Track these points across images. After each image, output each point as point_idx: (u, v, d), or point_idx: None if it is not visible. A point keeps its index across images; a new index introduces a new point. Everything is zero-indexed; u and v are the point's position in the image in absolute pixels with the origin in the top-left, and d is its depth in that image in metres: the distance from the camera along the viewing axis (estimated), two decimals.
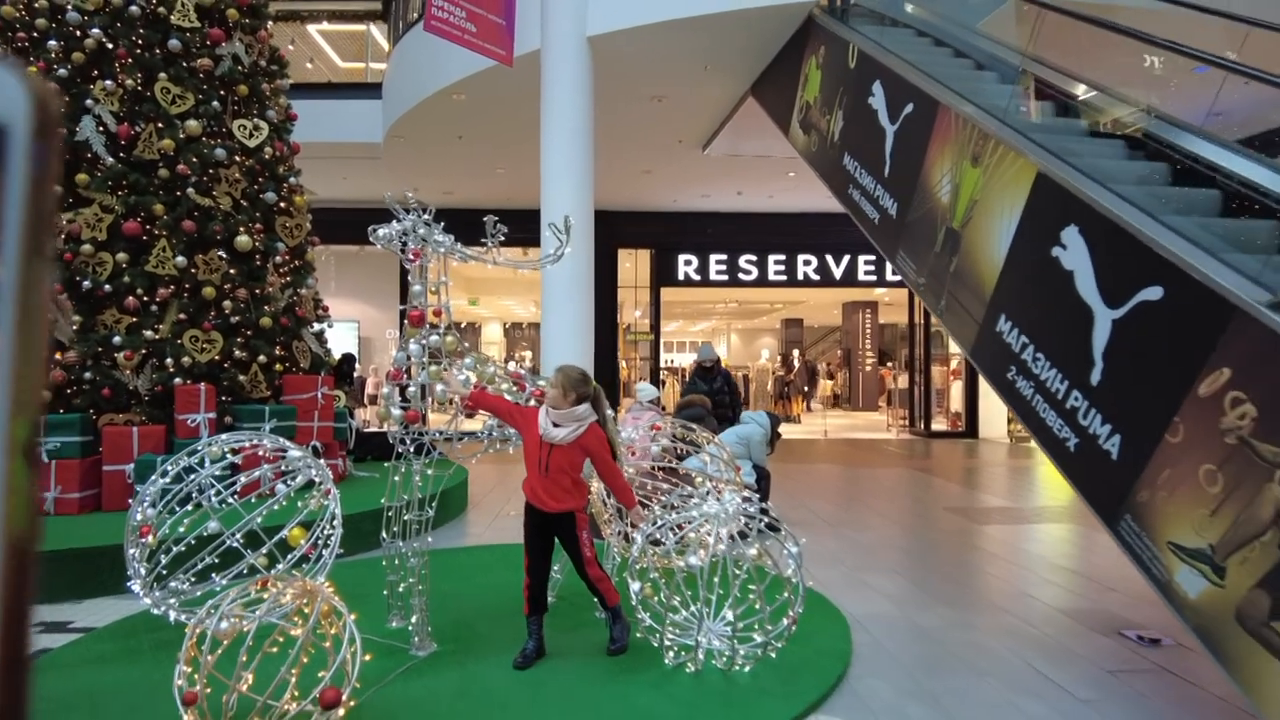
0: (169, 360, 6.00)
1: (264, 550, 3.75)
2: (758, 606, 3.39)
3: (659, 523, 3.55)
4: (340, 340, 12.14)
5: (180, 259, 6.15)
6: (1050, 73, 4.87)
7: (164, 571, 3.75)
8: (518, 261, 3.96)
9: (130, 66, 6.27)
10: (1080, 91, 4.84)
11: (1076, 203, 3.46)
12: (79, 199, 6.14)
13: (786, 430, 13.07)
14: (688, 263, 15.24)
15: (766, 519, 3.54)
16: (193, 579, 3.81)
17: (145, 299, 6.10)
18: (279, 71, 7.39)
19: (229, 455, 3.88)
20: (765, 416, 6.55)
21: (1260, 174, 3.65)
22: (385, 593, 3.97)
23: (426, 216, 3.64)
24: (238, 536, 3.68)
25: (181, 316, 6.18)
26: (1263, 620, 2.46)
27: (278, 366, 6.73)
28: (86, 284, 5.96)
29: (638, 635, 3.63)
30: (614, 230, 14.45)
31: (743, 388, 17.89)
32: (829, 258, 15.27)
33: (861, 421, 18.54)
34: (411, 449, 3.68)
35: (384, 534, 3.81)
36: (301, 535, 3.57)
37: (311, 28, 13.51)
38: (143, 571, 3.62)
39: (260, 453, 3.98)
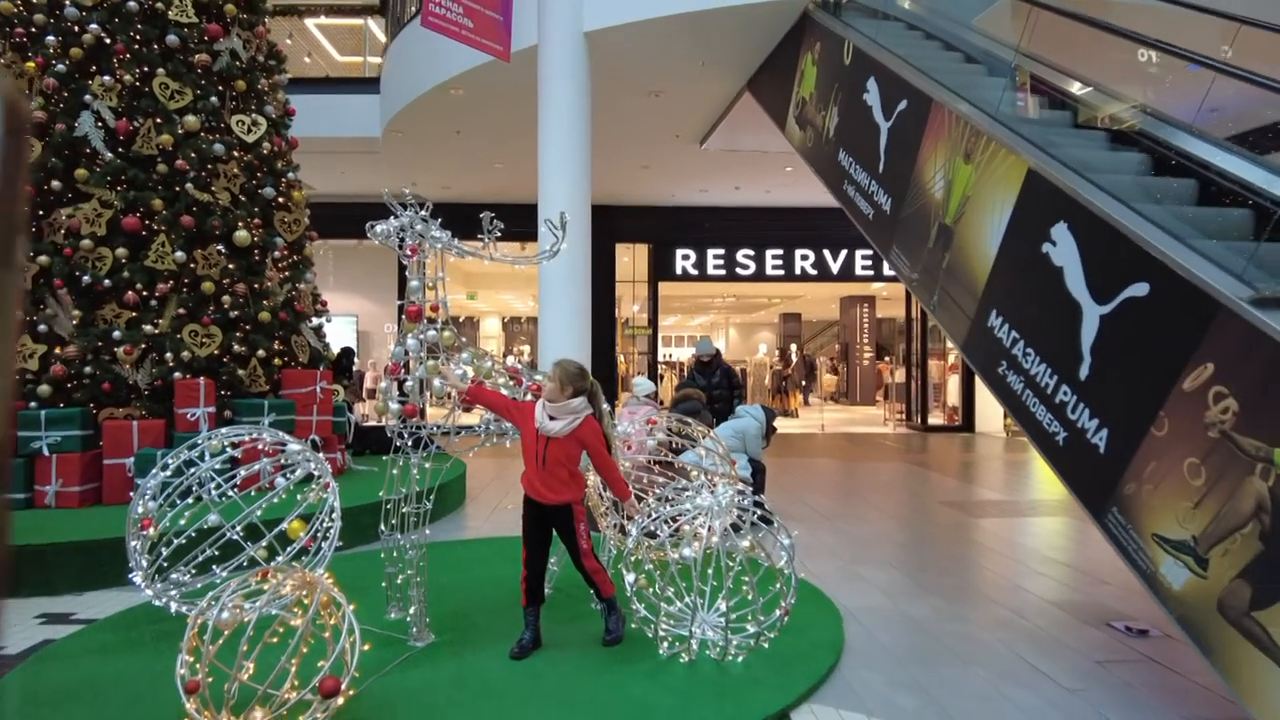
0: (168, 355, 6.04)
1: (264, 543, 3.79)
2: (750, 598, 3.44)
3: (654, 515, 3.60)
4: (339, 335, 12.18)
5: (179, 254, 6.18)
6: (1044, 69, 4.91)
7: (165, 564, 3.79)
8: (515, 257, 4.00)
9: (128, 62, 6.29)
10: (1073, 88, 4.88)
11: (1066, 200, 3.50)
12: (78, 194, 6.17)
13: (783, 425, 13.14)
14: (685, 257, 15.27)
15: (760, 512, 3.58)
16: (193, 571, 3.86)
17: (145, 294, 6.14)
18: (277, 67, 7.40)
19: (229, 449, 3.92)
20: (761, 410, 6.59)
21: (1237, 165, 3.70)
22: (384, 584, 4.02)
23: (424, 212, 3.68)
24: (238, 529, 3.73)
25: (181, 311, 6.21)
26: (1243, 610, 2.51)
27: (276, 361, 6.77)
28: (86, 279, 6.00)
29: (632, 626, 3.68)
30: (612, 225, 14.48)
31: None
32: (826, 252, 15.30)
33: (859, 416, 18.60)
34: (409, 443, 3.72)
35: (382, 527, 3.86)
36: (301, 528, 3.61)
37: (309, 22, 13.49)
38: (144, 564, 3.67)
39: (260, 447, 4.02)
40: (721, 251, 15.27)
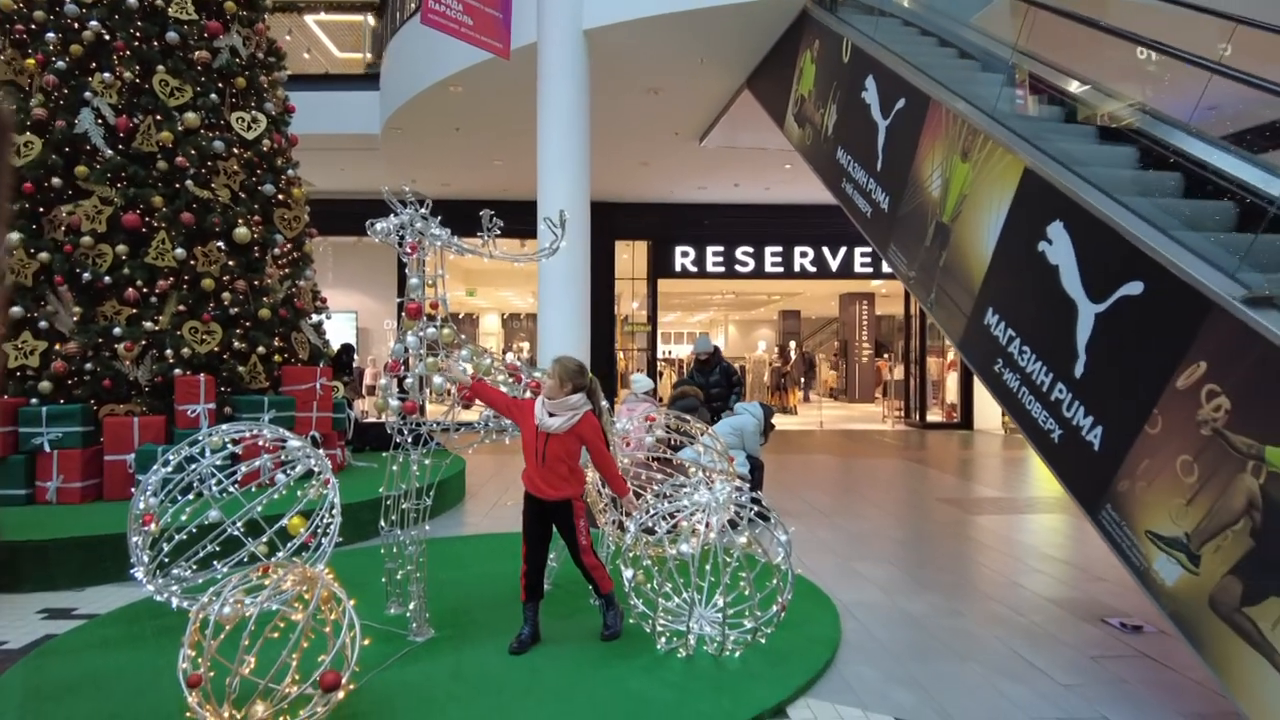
0: (169, 351, 6.05)
1: (264, 538, 3.82)
2: (748, 594, 3.46)
3: (652, 512, 3.62)
4: (338, 331, 12.20)
5: (179, 251, 6.19)
6: (1042, 68, 4.92)
7: (166, 559, 3.82)
8: (514, 255, 4.02)
9: (128, 59, 6.30)
10: (1070, 86, 4.89)
11: (1063, 198, 3.52)
12: (78, 191, 6.18)
13: (782, 422, 13.16)
14: (684, 254, 15.29)
15: (757, 508, 3.61)
16: (194, 566, 3.88)
17: (145, 290, 6.15)
18: (276, 64, 7.41)
19: (229, 445, 3.94)
20: (759, 407, 6.61)
21: (1221, 159, 3.74)
22: (384, 580, 4.04)
23: (424, 210, 3.70)
24: (238, 525, 3.75)
25: (181, 308, 6.23)
26: (1234, 606, 2.54)
27: (276, 357, 6.79)
28: (86, 276, 6.01)
29: (630, 621, 3.71)
30: (611, 222, 14.50)
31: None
32: (825, 250, 15.32)
33: (857, 413, 18.63)
34: (409, 439, 3.75)
35: (382, 523, 3.89)
36: (301, 524, 3.64)
37: (309, 18, 13.49)
38: (145, 559, 3.69)
39: (260, 443, 4.04)
40: (721, 248, 15.29)
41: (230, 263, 6.45)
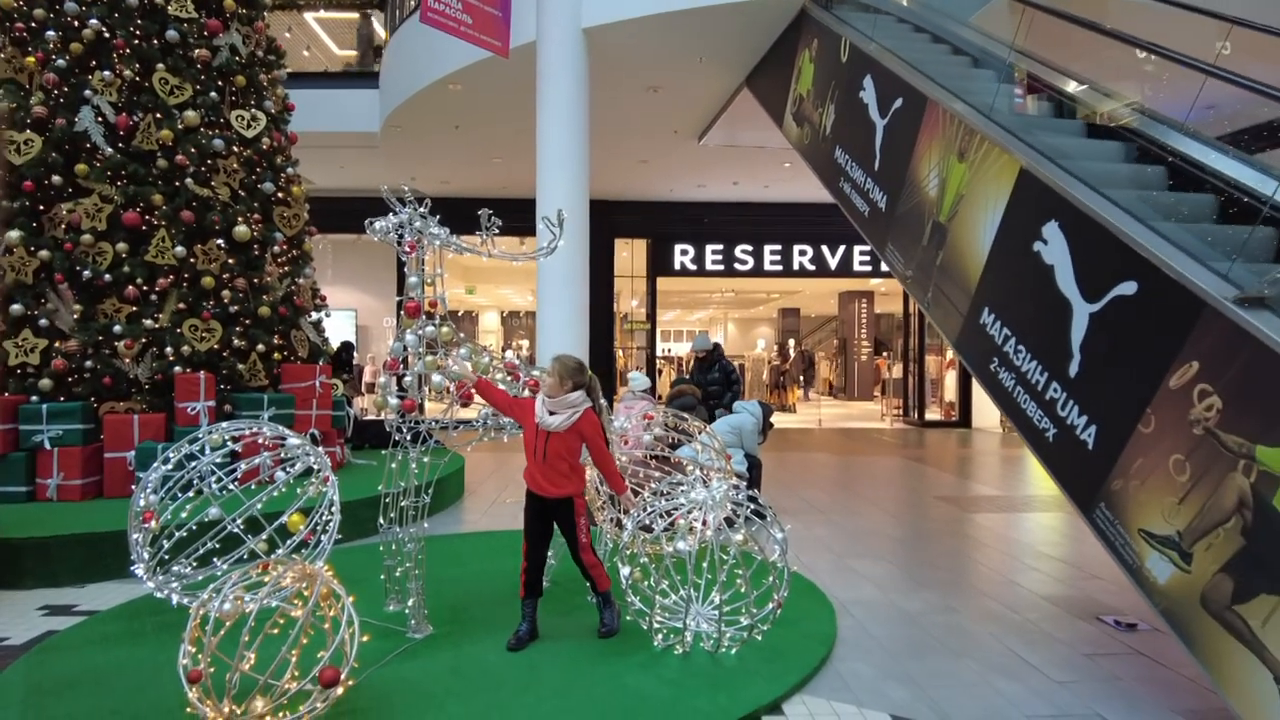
0: (169, 349, 6.07)
1: (264, 536, 3.84)
2: (744, 591, 3.49)
3: (649, 509, 3.64)
4: (338, 329, 12.21)
5: (179, 249, 6.21)
6: (1040, 67, 4.94)
7: (166, 556, 3.84)
8: (513, 254, 4.03)
9: (128, 57, 6.31)
10: (1067, 86, 4.91)
11: (1058, 199, 3.53)
12: (78, 189, 6.19)
13: (781, 420, 13.18)
14: (684, 252, 15.30)
15: (753, 506, 3.63)
16: (195, 563, 3.91)
17: (145, 288, 6.17)
18: (276, 62, 7.42)
19: (229, 443, 3.96)
20: (757, 406, 6.63)
21: (1203, 152, 3.78)
22: (382, 577, 4.06)
23: (423, 209, 3.71)
24: (238, 522, 3.77)
25: (181, 306, 6.25)
26: (1225, 604, 2.56)
27: (276, 355, 6.81)
28: (87, 273, 6.03)
29: (627, 618, 3.73)
30: (610, 220, 14.50)
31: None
32: (824, 248, 15.33)
33: (856, 411, 18.65)
34: (408, 437, 3.77)
35: (381, 520, 3.91)
36: (301, 521, 3.65)
37: (308, 15, 13.49)
38: (146, 556, 3.71)
39: (260, 440, 4.07)
40: (720, 247, 15.30)
41: (230, 260, 6.47)
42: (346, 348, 9.52)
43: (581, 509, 3.67)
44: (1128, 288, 3.09)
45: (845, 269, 15.48)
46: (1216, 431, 2.61)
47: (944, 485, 8.43)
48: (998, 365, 3.90)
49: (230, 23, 6.79)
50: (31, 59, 6.25)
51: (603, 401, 3.80)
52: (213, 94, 6.61)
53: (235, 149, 6.71)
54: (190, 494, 3.99)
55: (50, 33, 6.24)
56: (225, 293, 6.40)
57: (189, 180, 6.34)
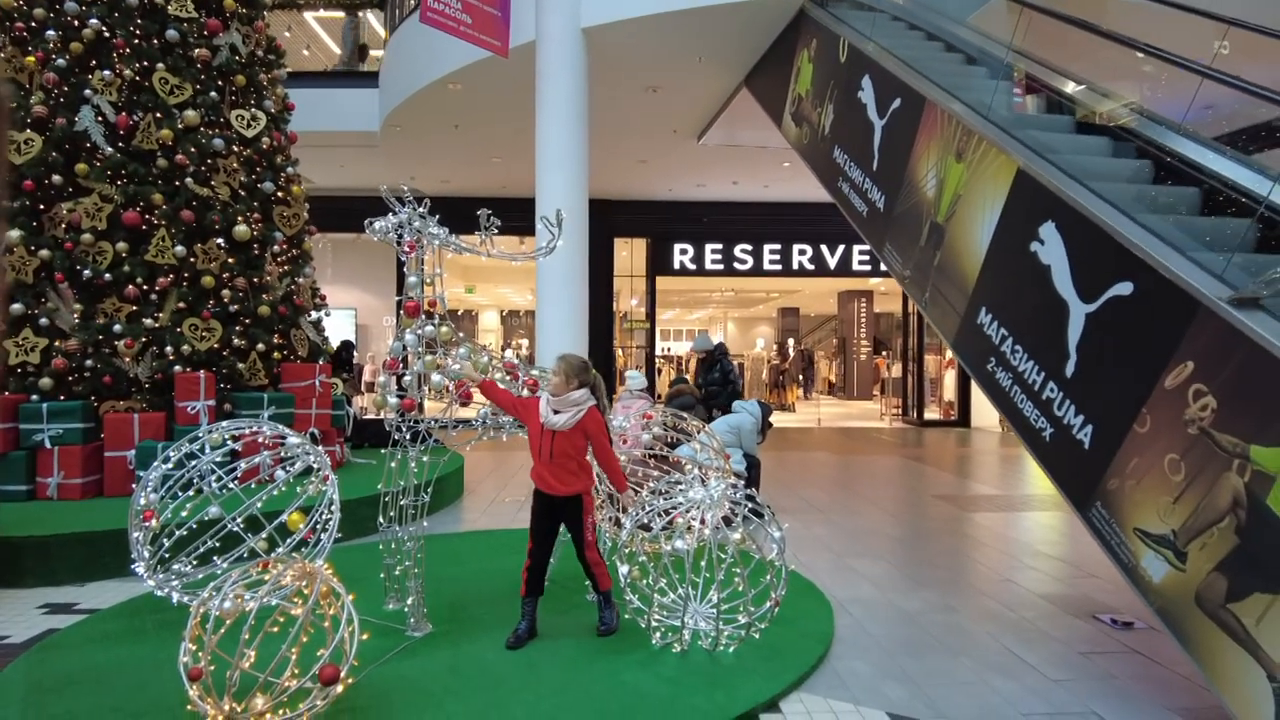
0: (169, 348, 6.09)
1: (264, 534, 3.86)
2: (742, 589, 3.50)
3: (648, 508, 3.66)
4: (338, 328, 12.22)
5: (179, 248, 6.22)
6: (1037, 67, 4.95)
7: (167, 555, 3.86)
8: (512, 254, 4.05)
9: (128, 57, 6.32)
10: (1065, 86, 4.92)
11: (1055, 199, 3.55)
12: (79, 189, 6.20)
13: (780, 419, 13.20)
14: (683, 252, 15.32)
15: (751, 505, 3.64)
16: (195, 562, 3.92)
17: (145, 288, 6.18)
18: (276, 61, 7.43)
19: (229, 442, 3.97)
20: (756, 405, 6.64)
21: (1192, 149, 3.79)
22: (382, 576, 4.08)
23: (422, 209, 3.72)
24: (238, 521, 3.78)
25: (181, 305, 6.26)
26: (1219, 603, 2.58)
27: (276, 354, 6.82)
28: (87, 273, 6.04)
29: (626, 617, 3.74)
30: (610, 219, 14.52)
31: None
32: (824, 247, 15.35)
33: (855, 410, 18.67)
34: (408, 436, 3.78)
35: (381, 519, 3.92)
36: (300, 520, 3.67)
37: (308, 15, 13.49)
38: (146, 554, 3.73)
39: (260, 440, 4.08)
40: (719, 246, 15.32)
41: (230, 260, 6.48)
42: (346, 347, 9.53)
43: (590, 507, 3.69)
44: (1124, 288, 3.10)
45: (844, 268, 15.49)
46: (1211, 431, 2.63)
47: (942, 484, 8.45)
48: (995, 365, 3.91)
49: (230, 22, 6.80)
50: (31, 58, 6.26)
51: (605, 401, 3.82)
52: (213, 93, 6.62)
53: (235, 148, 6.72)
54: (190, 493, 4.01)
55: (50, 32, 6.25)
56: (225, 292, 6.41)
57: (189, 180, 6.35)
